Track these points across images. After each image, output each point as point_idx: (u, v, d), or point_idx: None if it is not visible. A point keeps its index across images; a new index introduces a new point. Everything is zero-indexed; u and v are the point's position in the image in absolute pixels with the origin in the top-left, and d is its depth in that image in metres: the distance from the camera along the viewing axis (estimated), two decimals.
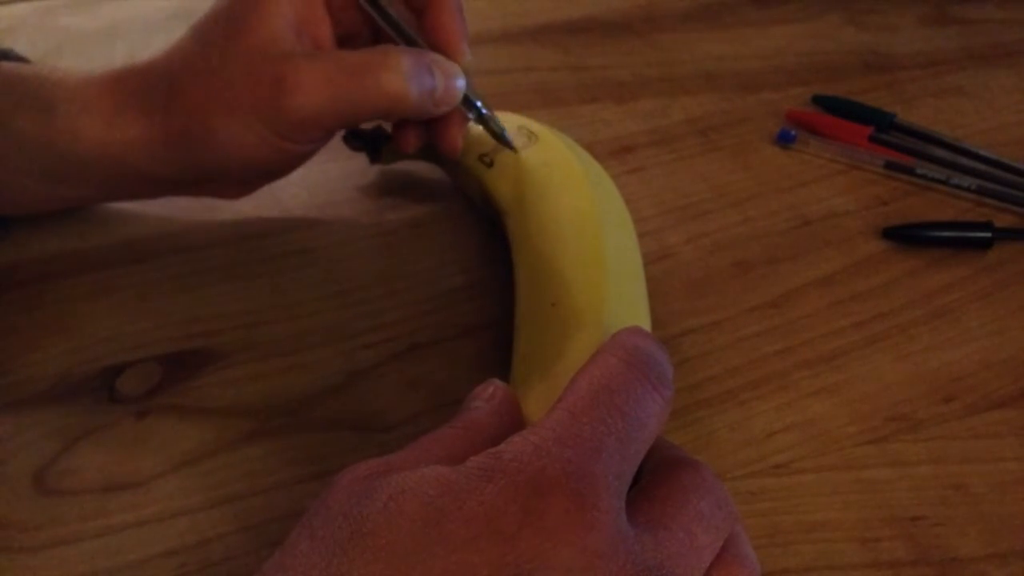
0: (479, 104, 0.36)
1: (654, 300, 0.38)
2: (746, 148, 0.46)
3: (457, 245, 0.40)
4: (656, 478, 0.23)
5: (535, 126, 0.38)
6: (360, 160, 0.44)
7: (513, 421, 0.26)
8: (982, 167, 0.45)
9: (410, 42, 0.34)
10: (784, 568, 0.29)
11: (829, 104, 0.49)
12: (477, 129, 0.39)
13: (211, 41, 0.33)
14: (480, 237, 0.40)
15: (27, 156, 0.34)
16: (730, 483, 0.31)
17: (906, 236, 0.41)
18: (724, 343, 0.36)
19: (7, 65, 0.35)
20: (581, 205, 0.33)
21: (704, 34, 0.55)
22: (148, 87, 0.33)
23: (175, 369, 0.34)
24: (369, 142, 0.42)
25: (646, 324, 0.31)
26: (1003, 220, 0.42)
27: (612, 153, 0.45)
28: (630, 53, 0.53)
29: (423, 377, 0.34)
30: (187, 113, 0.32)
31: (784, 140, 0.46)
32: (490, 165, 0.37)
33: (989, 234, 0.41)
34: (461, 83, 0.35)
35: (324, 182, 0.43)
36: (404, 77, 0.32)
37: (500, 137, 0.37)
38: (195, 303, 0.37)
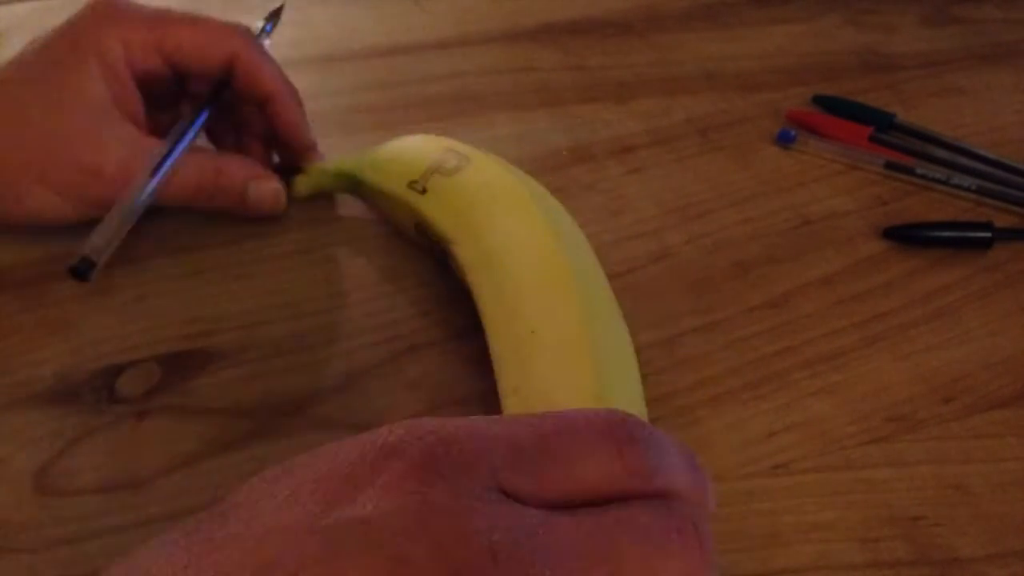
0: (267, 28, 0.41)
1: (654, 300, 0.38)
2: (746, 148, 0.46)
3: None
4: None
5: (464, 147, 0.37)
6: None
7: None
8: (982, 167, 0.45)
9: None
10: (784, 568, 0.29)
11: (829, 104, 0.50)
12: (406, 155, 0.38)
13: (30, 110, 0.35)
14: None
15: None
16: (730, 483, 0.31)
17: (906, 236, 0.41)
18: (724, 343, 0.36)
19: None
20: (534, 225, 0.32)
21: (704, 34, 0.55)
22: None
23: (175, 369, 0.34)
24: (279, 175, 0.40)
25: (624, 334, 0.31)
26: (1003, 220, 0.42)
27: (612, 153, 0.45)
28: (630, 53, 0.53)
29: (423, 377, 0.34)
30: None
31: (784, 140, 0.46)
32: (423, 192, 0.35)
33: (989, 234, 0.41)
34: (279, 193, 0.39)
35: None
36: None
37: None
38: (195, 303, 0.37)
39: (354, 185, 0.40)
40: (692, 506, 0.20)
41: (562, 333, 0.29)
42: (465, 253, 0.33)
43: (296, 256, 0.39)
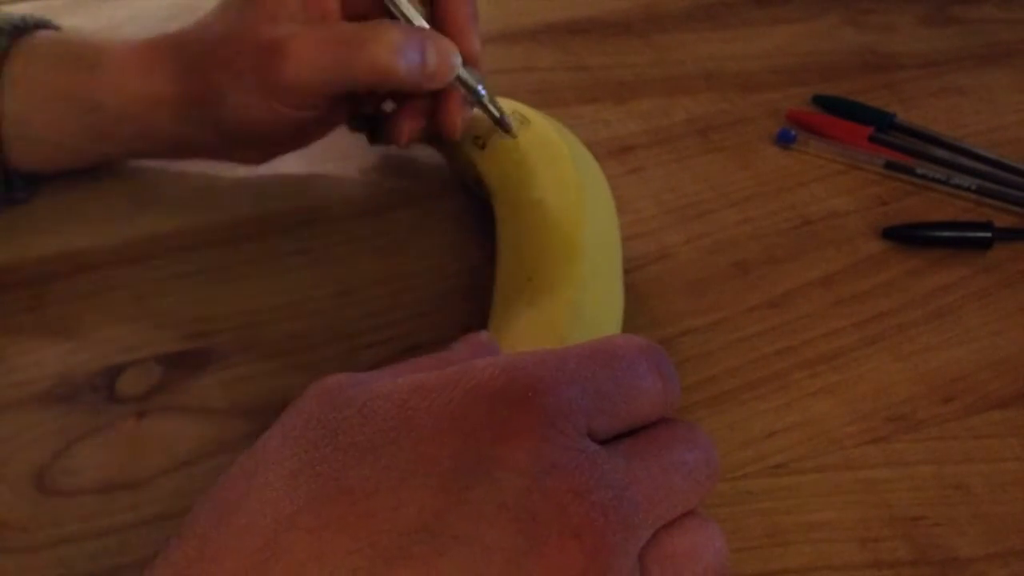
0: (480, 88, 0.37)
1: (654, 300, 0.38)
2: (746, 148, 0.46)
3: (457, 245, 0.40)
4: (650, 426, 0.23)
5: (528, 111, 0.39)
6: (361, 160, 0.44)
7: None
8: (982, 167, 0.45)
9: (411, 21, 0.36)
10: (784, 568, 0.29)
11: (829, 104, 0.49)
12: (476, 113, 0.40)
13: (230, 13, 0.35)
14: (480, 237, 0.40)
15: (73, 114, 0.37)
16: (730, 483, 0.31)
17: (906, 236, 0.41)
18: (724, 343, 0.36)
19: (53, 32, 0.39)
20: (564, 186, 0.35)
21: (704, 34, 0.55)
22: (176, 52, 0.36)
23: (175, 369, 0.34)
24: (368, 123, 0.43)
25: (618, 301, 0.32)
26: (1003, 220, 0.42)
27: (612, 153, 0.45)
28: (630, 53, 0.53)
29: None
30: (202, 76, 0.35)
31: (784, 140, 0.46)
32: (483, 147, 0.38)
33: (989, 234, 0.41)
34: (456, 60, 0.36)
35: (324, 182, 0.43)
36: (392, 50, 0.34)
37: (499, 122, 0.37)
38: (195, 303, 0.37)
39: (433, 135, 0.41)
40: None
41: (553, 285, 0.31)
42: (500, 206, 0.36)
43: (296, 256, 0.39)
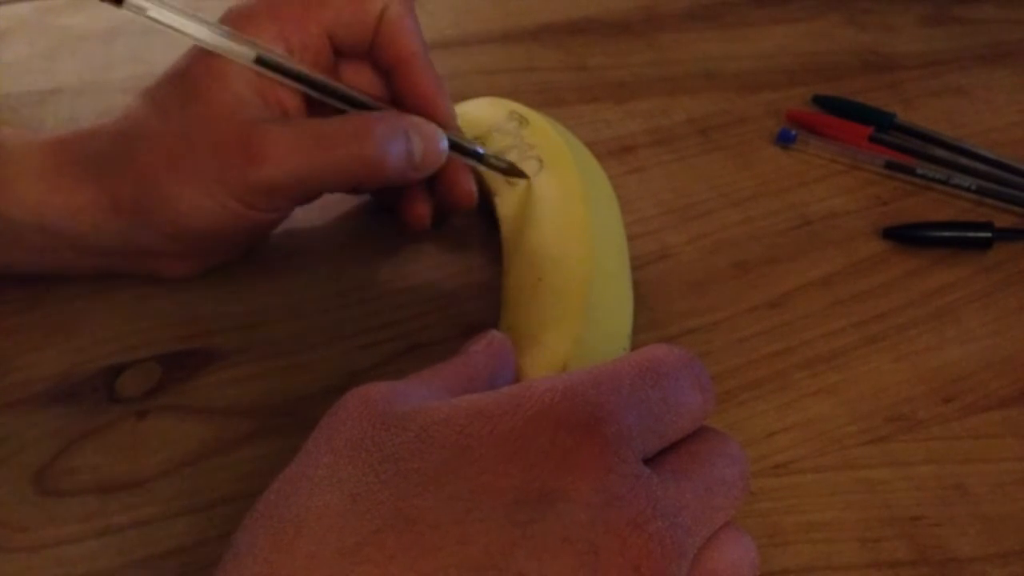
0: (478, 149, 0.36)
1: (654, 300, 0.38)
2: (746, 148, 0.46)
3: (457, 245, 0.40)
4: (688, 438, 0.23)
5: (525, 111, 0.39)
6: None
7: (507, 365, 0.26)
8: (982, 167, 0.45)
9: (368, 108, 0.34)
10: (784, 568, 0.29)
11: (829, 104, 0.50)
12: (470, 113, 0.39)
13: (167, 106, 0.32)
14: (480, 237, 0.40)
15: None
16: None
17: (906, 236, 0.41)
18: (724, 343, 0.36)
19: None
20: (567, 184, 0.35)
21: (704, 34, 0.55)
22: (95, 152, 0.32)
23: (175, 369, 0.34)
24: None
25: (628, 299, 0.32)
26: (1003, 220, 0.42)
27: (612, 153, 0.45)
28: (630, 53, 0.53)
29: None
30: (141, 179, 0.32)
31: (784, 140, 0.46)
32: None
33: (989, 234, 0.41)
34: (443, 145, 0.34)
35: None
36: (377, 146, 0.32)
37: (509, 172, 0.36)
38: (195, 303, 0.37)
39: None
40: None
41: (564, 284, 0.31)
42: (502, 205, 0.36)
43: (296, 256, 0.39)
